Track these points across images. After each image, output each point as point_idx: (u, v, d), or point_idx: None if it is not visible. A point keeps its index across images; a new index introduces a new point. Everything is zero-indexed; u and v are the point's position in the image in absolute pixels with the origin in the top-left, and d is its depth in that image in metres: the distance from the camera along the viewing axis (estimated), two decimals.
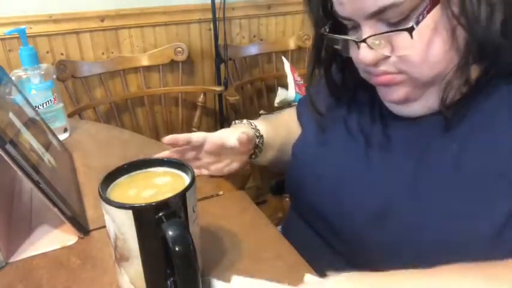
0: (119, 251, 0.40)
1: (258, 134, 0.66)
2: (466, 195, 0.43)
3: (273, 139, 0.69)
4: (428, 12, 0.42)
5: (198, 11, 1.84)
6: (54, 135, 0.78)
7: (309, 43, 2.08)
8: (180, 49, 1.80)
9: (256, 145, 0.66)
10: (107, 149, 0.85)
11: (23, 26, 0.87)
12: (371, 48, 0.46)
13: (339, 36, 0.51)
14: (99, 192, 0.39)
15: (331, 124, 0.61)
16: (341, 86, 0.61)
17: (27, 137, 0.57)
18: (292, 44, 2.08)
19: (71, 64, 1.60)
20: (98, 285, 0.46)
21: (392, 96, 0.49)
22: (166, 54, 1.80)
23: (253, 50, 2.00)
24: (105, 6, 1.66)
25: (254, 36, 2.06)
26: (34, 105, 0.81)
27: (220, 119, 1.99)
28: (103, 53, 1.73)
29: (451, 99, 0.46)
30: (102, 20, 1.67)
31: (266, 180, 1.69)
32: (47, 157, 0.60)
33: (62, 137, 0.88)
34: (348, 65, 0.55)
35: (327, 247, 0.57)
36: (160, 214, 0.37)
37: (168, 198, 0.38)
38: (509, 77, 0.46)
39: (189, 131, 1.85)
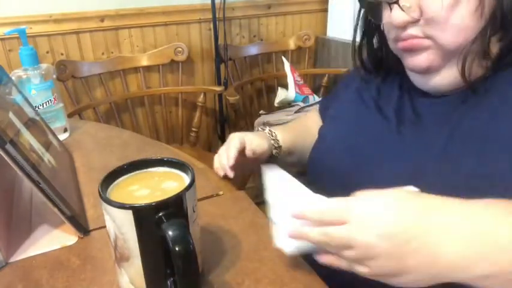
0: (119, 251, 0.40)
1: (276, 145, 0.70)
2: (497, 158, 0.44)
3: (293, 147, 0.73)
4: None
5: (198, 11, 1.84)
6: (54, 135, 0.78)
7: (309, 43, 2.08)
8: (180, 49, 1.80)
9: (271, 154, 0.69)
10: (106, 149, 0.85)
11: (23, 26, 0.87)
12: (402, 10, 0.48)
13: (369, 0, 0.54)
14: (99, 192, 0.39)
15: (364, 108, 0.63)
16: (381, 58, 0.62)
17: (27, 137, 0.57)
18: (292, 44, 2.08)
19: (71, 64, 1.60)
20: (98, 285, 0.46)
21: (416, 62, 0.51)
22: (166, 54, 1.80)
23: (253, 50, 2.00)
24: (105, 6, 1.66)
25: (254, 36, 2.06)
26: (34, 105, 0.81)
27: (220, 119, 1.99)
28: (103, 53, 1.73)
29: (470, 71, 0.48)
30: (102, 20, 1.67)
31: None
32: (47, 157, 0.60)
33: (62, 137, 0.88)
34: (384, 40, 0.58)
35: None
36: (160, 214, 0.37)
37: (168, 198, 0.38)
38: None
39: (189, 131, 1.86)
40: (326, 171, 0.62)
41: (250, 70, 2.05)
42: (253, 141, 0.66)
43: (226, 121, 2.01)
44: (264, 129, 0.71)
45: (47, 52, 1.62)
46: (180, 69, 1.83)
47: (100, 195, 0.39)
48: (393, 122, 0.57)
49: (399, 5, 0.48)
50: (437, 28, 0.48)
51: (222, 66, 1.88)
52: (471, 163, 0.46)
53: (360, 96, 0.64)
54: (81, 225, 0.54)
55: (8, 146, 0.45)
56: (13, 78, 0.82)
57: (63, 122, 0.89)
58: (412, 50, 0.51)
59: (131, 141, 0.89)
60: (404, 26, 0.50)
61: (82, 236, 0.54)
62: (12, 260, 0.50)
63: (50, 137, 0.74)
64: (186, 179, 0.43)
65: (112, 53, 1.75)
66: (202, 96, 1.80)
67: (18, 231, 0.56)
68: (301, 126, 0.79)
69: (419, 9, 0.48)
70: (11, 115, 0.56)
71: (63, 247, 0.52)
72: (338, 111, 0.69)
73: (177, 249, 0.35)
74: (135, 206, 0.37)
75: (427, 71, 0.52)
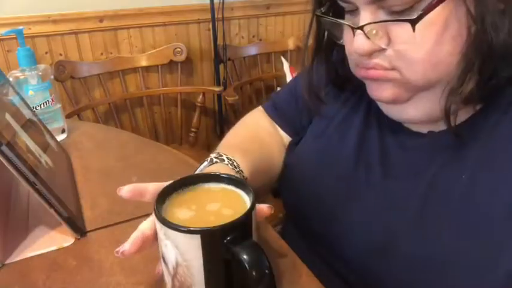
0: (179, 279, 0.37)
1: (242, 176, 0.54)
2: (472, 237, 0.40)
3: (256, 173, 0.58)
4: (437, 4, 0.38)
5: (197, 11, 1.84)
6: (51, 136, 0.78)
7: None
8: (179, 49, 1.80)
9: None
10: (105, 149, 0.85)
11: (20, 27, 0.87)
12: (367, 37, 0.41)
13: (335, 19, 0.46)
14: (158, 217, 0.35)
15: (326, 128, 0.58)
16: (343, 75, 0.55)
17: (24, 139, 0.57)
18: (291, 44, 2.08)
19: (70, 64, 1.60)
20: (95, 287, 0.46)
21: (380, 93, 0.46)
22: (165, 55, 1.80)
23: (252, 50, 2.00)
24: (104, 6, 1.66)
25: (253, 37, 2.06)
26: (32, 106, 0.80)
27: (219, 119, 1.99)
28: (102, 54, 1.73)
29: (455, 111, 0.41)
30: (101, 21, 1.67)
31: None
32: (44, 158, 0.60)
33: (60, 138, 0.88)
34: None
35: (324, 265, 0.55)
36: (229, 237, 0.34)
37: (238, 220, 0.35)
38: None
39: (188, 131, 1.86)
40: (299, 213, 0.59)
41: (249, 70, 2.05)
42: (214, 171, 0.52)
43: (225, 121, 2.01)
44: (221, 157, 0.53)
45: (46, 53, 1.62)
46: (179, 70, 1.83)
47: (162, 221, 0.35)
48: (361, 167, 0.51)
49: (364, 32, 0.41)
50: (406, 61, 0.41)
51: (221, 67, 1.88)
52: (447, 236, 0.42)
53: (345, 116, 0.57)
54: (78, 227, 0.54)
55: (4, 148, 0.45)
56: (10, 79, 0.82)
57: (61, 123, 0.89)
58: (376, 81, 0.45)
59: (129, 142, 0.89)
60: (369, 54, 0.43)
61: (79, 237, 0.54)
62: (8, 261, 0.50)
63: (48, 138, 0.74)
64: (241, 194, 0.40)
65: (111, 53, 1.74)
66: (201, 96, 1.80)
67: (15, 232, 0.56)
68: (258, 145, 0.64)
69: (387, 36, 0.41)
70: (8, 116, 0.56)
71: (60, 248, 0.52)
72: (322, 130, 0.60)
73: (254, 273, 0.32)
74: (203, 230, 0.34)
75: (394, 102, 0.46)
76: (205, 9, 1.80)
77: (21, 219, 0.59)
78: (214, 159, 0.53)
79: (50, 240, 0.54)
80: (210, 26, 1.81)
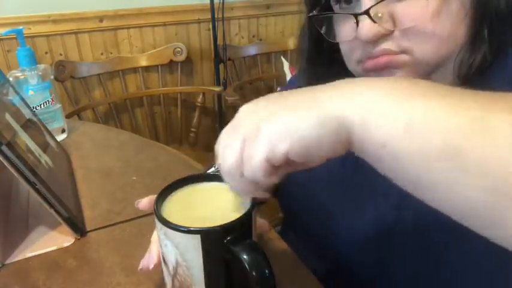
0: (179, 279, 0.36)
1: None
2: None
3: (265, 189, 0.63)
4: None
5: (197, 11, 1.84)
6: (51, 136, 0.78)
7: None
8: (179, 49, 1.80)
9: None
10: (104, 149, 0.85)
11: (20, 27, 0.87)
12: (374, 21, 0.40)
13: (334, 12, 0.45)
14: (158, 217, 0.35)
15: None
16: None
17: (24, 139, 0.57)
18: (291, 44, 2.08)
19: (70, 64, 1.60)
20: (94, 287, 0.46)
21: None
22: (165, 55, 1.80)
23: (252, 50, 1.99)
24: (104, 6, 1.66)
25: (253, 37, 2.06)
26: (32, 106, 0.80)
27: (220, 120, 1.99)
28: (102, 54, 1.73)
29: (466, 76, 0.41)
30: (101, 21, 1.67)
31: None
32: (44, 158, 0.60)
33: (60, 137, 0.88)
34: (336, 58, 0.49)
35: (322, 264, 0.55)
36: (229, 237, 0.34)
37: (238, 219, 0.34)
38: None
39: (188, 131, 1.86)
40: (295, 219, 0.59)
41: (249, 70, 2.05)
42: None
43: (225, 121, 2.00)
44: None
45: (46, 53, 1.62)
46: (179, 70, 1.83)
47: (162, 221, 0.34)
48: (348, 163, 0.49)
49: (370, 16, 0.40)
50: (417, 40, 0.40)
51: (221, 67, 1.88)
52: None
53: None
54: (77, 227, 0.54)
55: (4, 148, 0.45)
56: (10, 79, 0.82)
57: (60, 123, 0.89)
58: (386, 68, 0.43)
59: (129, 142, 0.89)
60: (375, 41, 0.41)
61: (79, 237, 0.54)
62: (8, 261, 0.50)
63: (48, 138, 0.74)
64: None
65: (111, 53, 1.74)
66: (201, 96, 1.80)
67: (15, 232, 0.56)
68: None
69: (391, 19, 0.40)
70: (7, 116, 0.56)
71: (60, 248, 0.52)
72: None
73: (254, 273, 0.32)
74: (204, 230, 0.33)
75: None
76: (205, 9, 1.80)
77: (21, 219, 0.59)
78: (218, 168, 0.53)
79: (50, 240, 0.54)
80: (210, 26, 1.81)
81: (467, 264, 0.40)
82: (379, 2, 0.39)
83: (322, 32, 0.48)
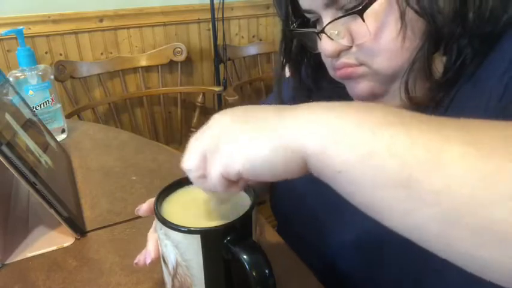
0: (179, 279, 0.37)
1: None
2: None
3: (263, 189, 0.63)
4: None
5: (197, 11, 1.84)
6: (51, 136, 0.78)
7: None
8: (179, 49, 1.80)
9: None
10: (104, 149, 0.85)
11: (20, 27, 0.87)
12: (330, 38, 0.44)
13: (302, 29, 0.49)
14: (158, 217, 0.35)
15: None
16: (314, 87, 0.57)
17: (24, 139, 0.57)
18: None
19: (70, 64, 1.60)
20: (94, 287, 0.46)
21: (358, 90, 0.47)
22: (165, 55, 1.80)
23: (252, 50, 2.00)
24: (104, 6, 1.66)
25: (253, 36, 2.06)
26: (32, 106, 0.80)
27: None
28: (102, 53, 1.73)
29: (416, 94, 0.43)
30: (101, 20, 1.67)
31: None
32: (44, 158, 0.60)
33: (60, 137, 0.88)
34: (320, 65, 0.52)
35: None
36: (229, 237, 0.34)
37: (238, 219, 0.34)
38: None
39: (188, 131, 1.86)
40: (289, 226, 0.59)
41: (249, 70, 2.05)
42: None
43: None
44: None
45: (46, 53, 1.62)
46: (179, 70, 1.83)
47: (163, 221, 0.35)
48: None
49: (326, 34, 0.44)
50: (369, 54, 0.43)
51: (221, 67, 1.88)
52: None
53: None
54: (78, 227, 0.54)
55: (4, 148, 0.45)
56: (10, 79, 0.82)
57: (60, 123, 0.89)
58: (349, 78, 0.47)
59: (129, 142, 0.89)
60: (337, 55, 0.45)
61: (79, 237, 0.54)
62: (8, 261, 0.50)
63: (48, 138, 0.74)
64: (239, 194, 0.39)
65: (111, 53, 1.74)
66: (201, 96, 1.80)
67: (15, 232, 0.56)
68: None
69: (349, 35, 0.43)
70: (7, 116, 0.56)
71: (60, 248, 0.52)
72: None
73: (254, 273, 0.32)
74: (204, 230, 0.33)
75: (373, 97, 0.47)
76: (205, 9, 1.80)
77: (21, 219, 0.59)
78: None
79: (50, 240, 0.54)
80: (210, 26, 1.81)
81: (454, 269, 0.40)
82: (333, 21, 0.43)
83: (304, 44, 0.51)
